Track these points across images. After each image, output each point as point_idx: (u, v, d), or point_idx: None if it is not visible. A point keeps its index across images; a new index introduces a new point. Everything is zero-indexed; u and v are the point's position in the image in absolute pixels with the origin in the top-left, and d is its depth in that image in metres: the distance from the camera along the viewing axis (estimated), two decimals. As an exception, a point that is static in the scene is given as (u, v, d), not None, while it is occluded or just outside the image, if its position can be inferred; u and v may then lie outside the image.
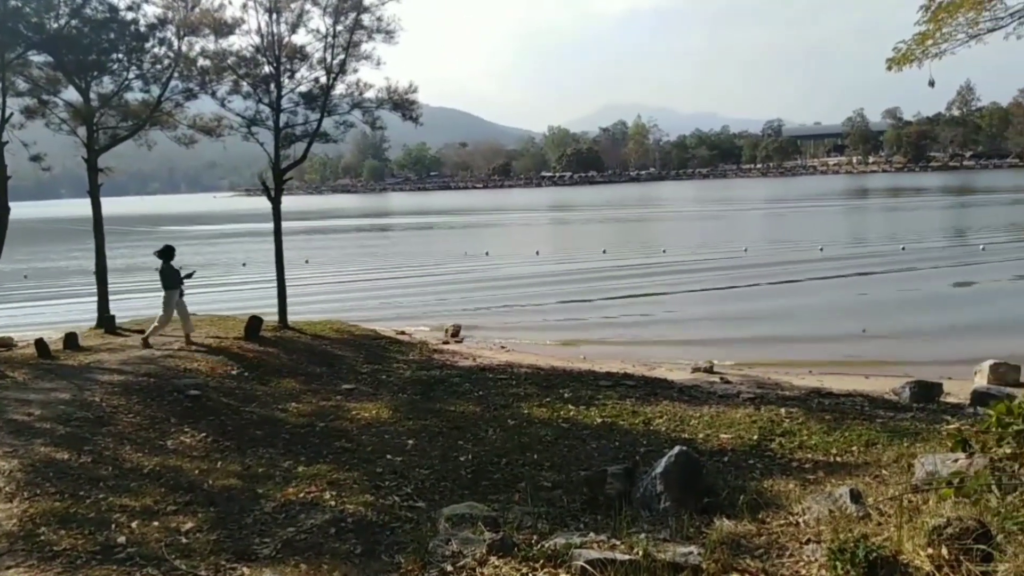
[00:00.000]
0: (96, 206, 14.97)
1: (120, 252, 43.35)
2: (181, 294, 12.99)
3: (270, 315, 15.32)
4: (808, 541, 4.59)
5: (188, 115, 16.06)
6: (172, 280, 12.85)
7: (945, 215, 51.58)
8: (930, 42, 8.86)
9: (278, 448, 8.10)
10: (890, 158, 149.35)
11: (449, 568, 4.54)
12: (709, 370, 13.21)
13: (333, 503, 6.33)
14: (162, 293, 12.91)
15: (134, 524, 5.74)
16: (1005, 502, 3.91)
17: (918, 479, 5.26)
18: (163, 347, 12.26)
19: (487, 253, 37.22)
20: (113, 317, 14.67)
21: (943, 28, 8.78)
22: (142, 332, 14.19)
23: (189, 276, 13.27)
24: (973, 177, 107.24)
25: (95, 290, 15.23)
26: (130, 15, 14.36)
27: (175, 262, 13.03)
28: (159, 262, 12.93)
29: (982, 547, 3.63)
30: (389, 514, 6.08)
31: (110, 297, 15.34)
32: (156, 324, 12.88)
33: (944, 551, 3.72)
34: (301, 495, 6.53)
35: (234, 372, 11.22)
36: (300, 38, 15.16)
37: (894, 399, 10.63)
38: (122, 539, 5.44)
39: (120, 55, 14.47)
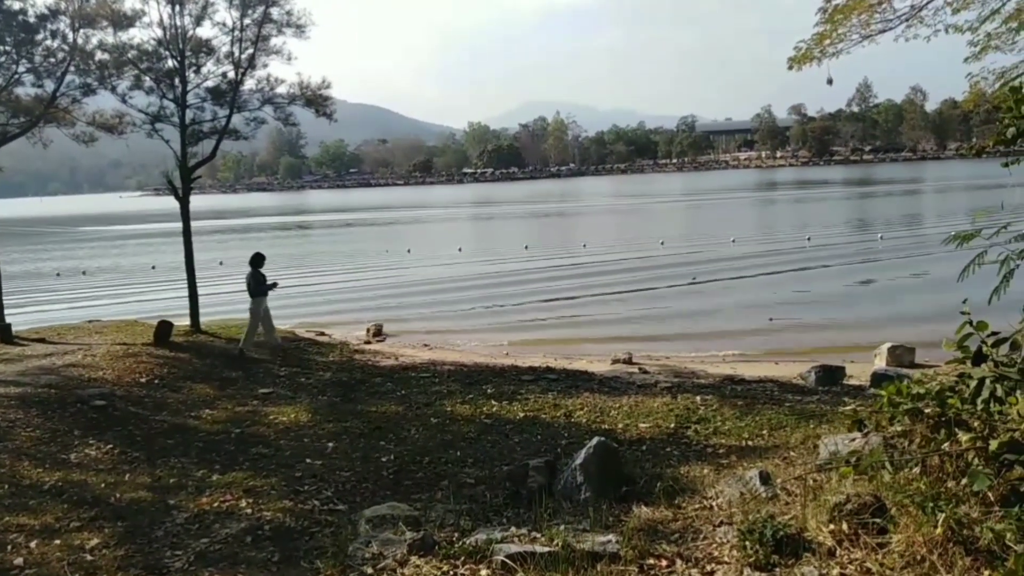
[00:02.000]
0: (-14, 208, 14.07)
1: (15, 257, 40.93)
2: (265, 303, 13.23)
3: (182, 319, 14.76)
4: (721, 523, 4.74)
5: (87, 111, 15.27)
6: (260, 288, 13.05)
7: (847, 207, 54.28)
8: (828, 42, 9.30)
9: (191, 457, 7.81)
10: (796, 152, 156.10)
11: (369, 570, 4.49)
12: (628, 361, 13.49)
13: (249, 511, 6.15)
14: (249, 300, 13.19)
15: (33, 544, 5.43)
16: (897, 477, 4.14)
17: (822, 459, 5.51)
18: (64, 355, 11.63)
19: (409, 251, 36.92)
20: (9, 326, 13.83)
21: (839, 29, 9.23)
22: (43, 341, 13.48)
23: (273, 287, 13.43)
24: (872, 170, 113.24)
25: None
26: (16, 4, 13.56)
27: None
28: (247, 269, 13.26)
29: (878, 521, 3.84)
30: (308, 519, 5.95)
31: (5, 305, 14.44)
32: (246, 333, 13.16)
33: (844, 526, 3.91)
34: (216, 504, 6.31)
35: (143, 380, 10.76)
36: (206, 31, 14.72)
37: (801, 383, 11.12)
38: (19, 560, 5.15)
39: (7, 47, 13.61)
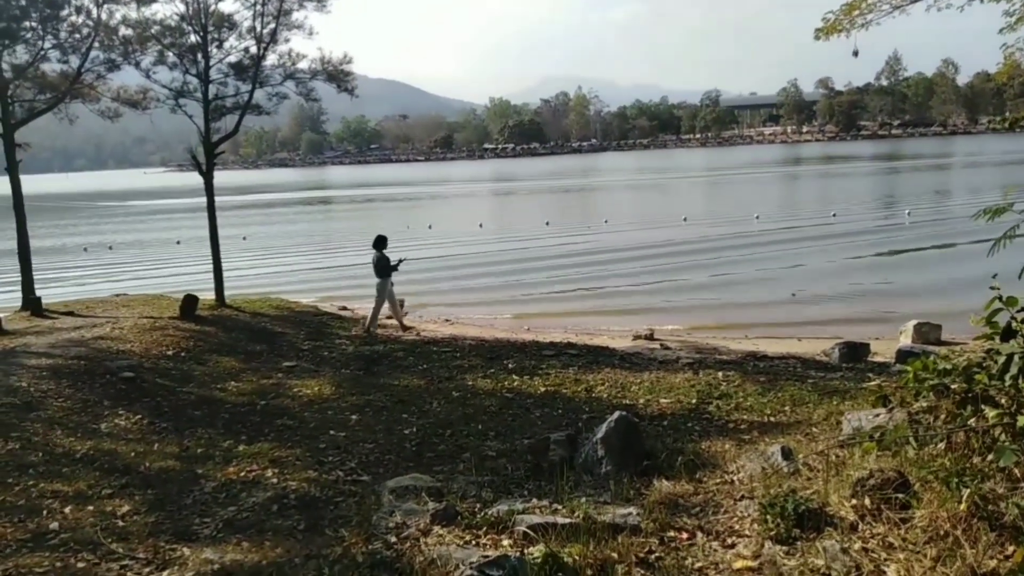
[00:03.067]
0: (15, 183, 14.27)
1: (43, 232, 41.57)
2: (391, 283, 13.76)
3: (207, 294, 14.95)
4: (742, 497, 4.76)
5: (111, 87, 15.40)
6: (386, 269, 13.54)
7: (874, 182, 53.39)
8: (856, 12, 9.08)
9: (217, 428, 7.95)
10: (823, 127, 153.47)
11: (393, 539, 4.57)
12: (650, 337, 13.45)
13: (275, 480, 6.26)
14: (376, 281, 13.68)
15: (67, 509, 5.58)
16: (922, 453, 4.12)
17: (845, 435, 5.50)
18: (93, 328, 11.85)
19: (430, 227, 36.95)
20: (39, 299, 14.10)
21: (868, -1, 9.00)
22: (72, 314, 13.72)
23: (397, 266, 13.81)
24: (901, 145, 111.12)
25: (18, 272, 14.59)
26: (43, -20, 13.62)
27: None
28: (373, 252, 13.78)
29: (901, 496, 3.83)
30: (333, 489, 6.05)
31: (35, 279, 14.72)
32: (371, 313, 13.73)
33: (867, 501, 3.91)
34: (242, 474, 6.44)
35: (170, 352, 10.93)
36: (228, 6, 14.84)
37: (825, 360, 11.03)
38: (55, 525, 5.29)
39: (33, 23, 13.72)
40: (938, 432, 4.17)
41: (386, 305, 13.98)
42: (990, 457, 3.77)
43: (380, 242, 13.86)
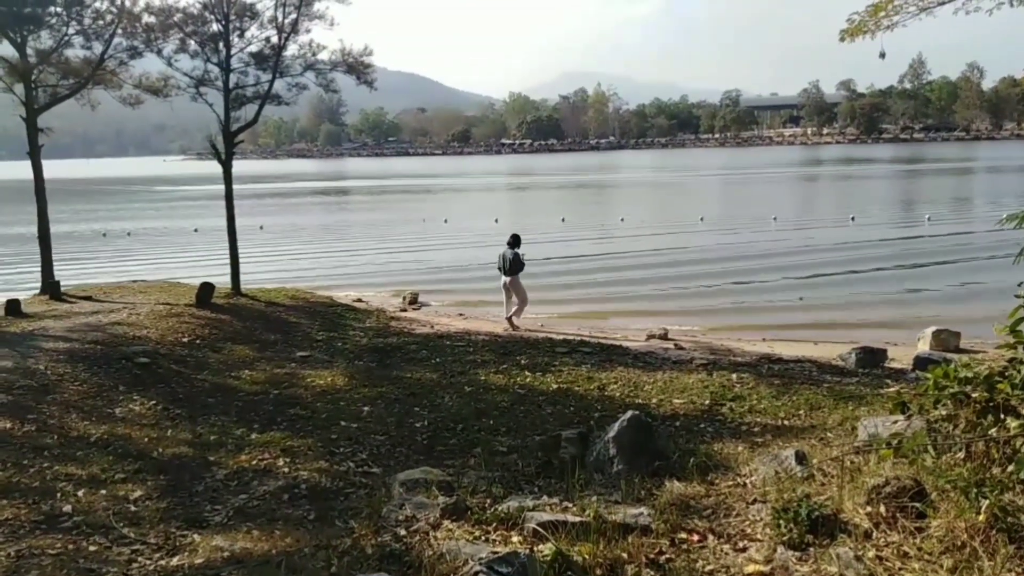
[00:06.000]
0: (37, 167, 14.40)
1: (63, 217, 41.99)
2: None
3: (223, 282, 15.02)
4: (754, 501, 4.72)
5: (133, 74, 15.51)
6: (519, 266, 14.16)
7: (894, 186, 52.85)
8: (882, 14, 8.93)
9: (231, 416, 7.99)
10: (844, 129, 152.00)
11: (403, 532, 4.56)
12: (664, 337, 13.37)
13: (287, 470, 6.29)
14: (505, 279, 14.17)
15: (80, 493, 5.62)
16: (940, 461, 4.06)
17: (860, 441, 5.44)
18: (110, 313, 11.94)
19: (446, 220, 36.97)
20: (58, 283, 14.23)
21: (895, 0, 8.86)
22: (89, 299, 13.83)
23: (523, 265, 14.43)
24: (922, 149, 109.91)
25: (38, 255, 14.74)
26: (69, -34, 13.73)
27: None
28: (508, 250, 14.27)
29: (917, 504, 3.77)
30: (343, 480, 6.06)
31: (54, 263, 14.86)
32: (519, 308, 14.20)
33: (882, 509, 3.86)
34: (254, 462, 6.46)
35: (185, 339, 11.00)
36: (250, -5, 14.70)
37: (841, 364, 10.90)
38: (68, 508, 5.33)
39: (58, 8, 13.85)
40: (957, 441, 4.11)
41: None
42: (1010, 468, 3.71)
43: (516, 241, 14.45)
